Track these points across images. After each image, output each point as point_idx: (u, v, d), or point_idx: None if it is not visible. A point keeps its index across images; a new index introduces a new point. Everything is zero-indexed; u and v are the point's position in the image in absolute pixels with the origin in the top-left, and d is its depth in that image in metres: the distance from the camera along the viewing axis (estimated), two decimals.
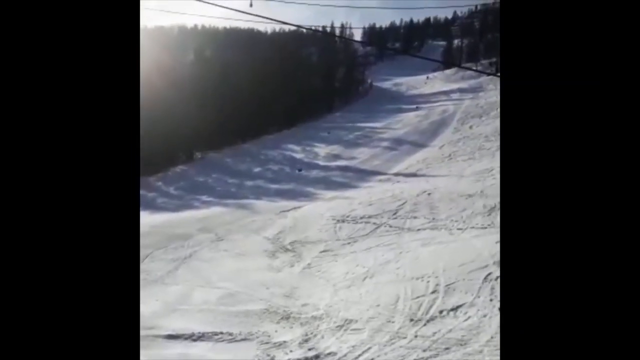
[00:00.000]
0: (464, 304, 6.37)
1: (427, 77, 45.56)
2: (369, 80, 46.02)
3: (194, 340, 6.40)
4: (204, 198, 17.78)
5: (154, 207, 17.29)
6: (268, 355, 5.80)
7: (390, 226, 10.46)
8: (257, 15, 5.85)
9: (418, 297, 6.84)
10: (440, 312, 6.32)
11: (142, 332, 6.61)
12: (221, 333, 6.50)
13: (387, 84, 45.91)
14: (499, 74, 2.42)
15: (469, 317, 6.01)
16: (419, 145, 22.29)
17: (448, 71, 45.09)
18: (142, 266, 9.79)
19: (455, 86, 37.67)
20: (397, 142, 23.59)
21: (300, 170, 20.91)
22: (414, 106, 33.34)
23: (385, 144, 23.86)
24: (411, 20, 75.06)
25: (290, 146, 26.09)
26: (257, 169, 22.18)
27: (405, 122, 28.39)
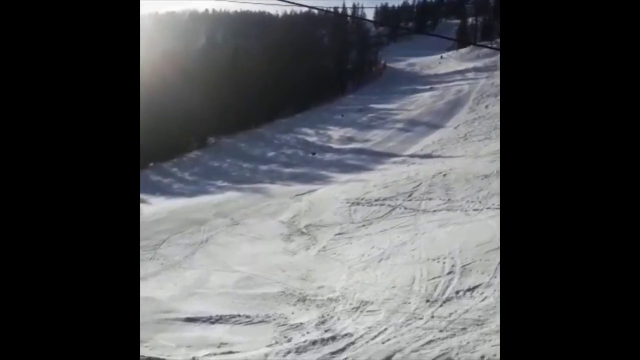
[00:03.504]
0: (480, 284, 6.36)
1: (441, 57, 44.82)
2: (382, 61, 45.45)
3: (212, 322, 6.52)
4: (219, 183, 17.92)
5: (170, 193, 17.49)
6: (285, 336, 5.89)
7: (406, 208, 10.44)
8: None
9: (434, 278, 6.85)
10: (457, 292, 6.32)
11: (161, 316, 6.75)
12: (238, 315, 6.61)
13: (400, 65, 45.33)
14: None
15: (486, 298, 6.01)
16: (433, 126, 22.08)
17: (462, 50, 44.31)
18: (160, 251, 9.94)
19: (470, 65, 37.07)
20: (412, 123, 23.38)
21: (314, 153, 20.89)
22: (429, 86, 32.92)
23: (399, 125, 23.68)
24: None
25: (304, 129, 26.03)
26: (271, 153, 22.22)
27: (419, 102, 28.09)
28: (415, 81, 36.81)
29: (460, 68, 37.41)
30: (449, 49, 46.69)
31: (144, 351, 5.58)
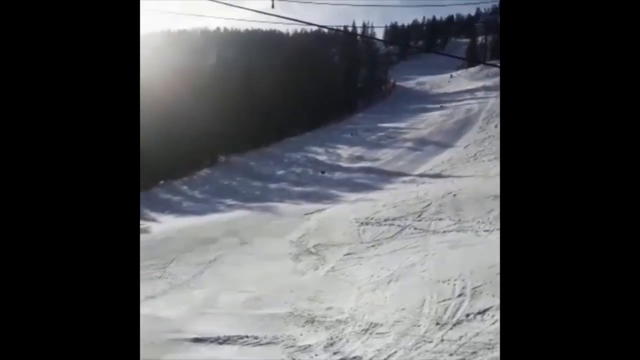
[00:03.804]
0: (491, 307, 6.30)
1: (451, 76, 45.04)
2: (392, 80, 45.74)
3: (220, 343, 6.49)
4: (229, 201, 18.00)
5: (180, 211, 17.58)
6: (293, 358, 5.85)
7: (415, 228, 10.40)
8: (278, 16, 5.87)
9: (444, 300, 6.79)
10: (467, 315, 6.26)
11: (169, 336, 6.74)
12: (247, 336, 6.58)
13: (410, 83, 45.57)
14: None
15: (497, 321, 5.94)
16: (443, 145, 22.09)
17: (472, 69, 44.52)
18: (168, 270, 9.97)
19: (479, 84, 37.18)
20: (421, 143, 23.41)
21: (323, 172, 20.95)
22: (438, 105, 33.03)
23: (409, 144, 23.72)
24: (434, 18, 74.46)
25: (313, 148, 26.16)
26: (280, 172, 22.32)
27: (429, 121, 28.16)
28: (425, 100, 36.95)
29: (470, 87, 37.54)
30: (458, 68, 46.92)
31: None
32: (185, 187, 21.76)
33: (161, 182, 22.23)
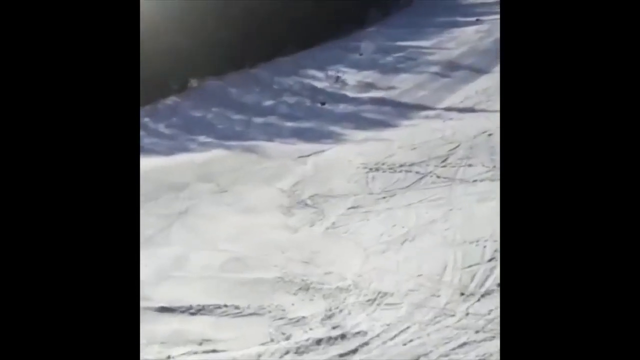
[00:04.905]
0: None
1: None
2: None
3: (192, 314, 6.66)
4: (202, 138, 17.93)
5: (141, 150, 17.57)
6: (283, 333, 6.02)
7: (438, 176, 10.44)
8: None
9: (471, 265, 6.93)
10: (499, 284, 6.40)
11: None
12: (225, 306, 6.74)
13: None
14: None
15: None
16: (478, 70, 21.77)
17: None
18: None
19: None
20: (450, 67, 23.04)
21: (323, 103, 20.75)
22: (474, 18, 32.29)
23: (434, 68, 23.35)
24: None
25: (311, 72, 25.76)
26: (268, 102, 22.09)
27: (461, 39, 27.60)
28: (456, 11, 36.09)
29: None
30: None
31: None
32: (147, 119, 21.59)
33: None
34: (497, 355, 5.09)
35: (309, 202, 10.30)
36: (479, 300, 6.15)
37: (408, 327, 5.78)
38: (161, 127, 20.61)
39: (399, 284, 6.74)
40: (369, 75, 24.13)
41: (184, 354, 5.76)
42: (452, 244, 7.58)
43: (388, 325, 5.86)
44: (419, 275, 6.88)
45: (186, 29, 24.99)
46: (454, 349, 5.32)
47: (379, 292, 6.59)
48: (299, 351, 5.64)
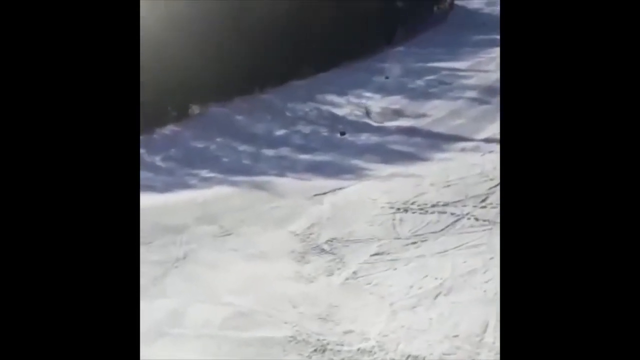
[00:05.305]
0: None
1: None
2: None
3: None
4: (204, 173, 18.07)
5: None
6: None
7: (477, 219, 10.41)
8: None
9: None
10: None
11: None
12: None
13: (475, 2, 44.85)
14: None
15: None
16: None
17: None
18: None
19: None
20: (490, 92, 23.15)
21: (343, 133, 20.87)
22: None
23: (471, 94, 23.51)
24: None
25: (330, 97, 26.03)
26: (280, 131, 22.29)
27: None
28: (496, 28, 36.39)
29: None
30: None
31: None
32: (142, 151, 21.87)
33: None
34: None
35: (326, 247, 10.27)
36: None
37: None
38: (157, 160, 20.81)
39: (432, 346, 6.66)
40: (396, 101, 24.30)
41: None
42: (494, 298, 7.50)
43: None
44: (455, 336, 6.80)
45: (187, 46, 25.44)
46: None
47: (408, 356, 6.52)
48: None
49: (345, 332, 7.31)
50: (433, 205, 11.22)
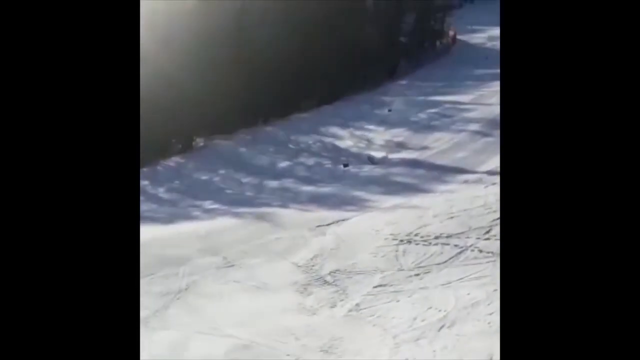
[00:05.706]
0: None
1: None
2: (451, 32, 45.55)
3: None
4: (208, 204, 18.12)
5: None
6: None
7: (480, 250, 10.37)
8: None
9: None
10: None
11: None
12: None
13: (477, 37, 45.26)
14: None
15: None
16: None
17: None
18: None
19: None
20: (492, 125, 23.23)
21: (346, 165, 20.94)
22: None
23: (474, 126, 23.62)
24: None
25: (333, 129, 26.17)
26: (283, 163, 22.37)
27: None
28: (498, 62, 36.63)
29: None
30: None
31: None
32: (145, 182, 21.91)
33: None
34: None
35: (328, 279, 10.23)
36: None
37: None
38: (161, 192, 20.86)
39: None
40: (399, 134, 24.40)
41: None
42: (499, 331, 7.43)
43: None
44: None
45: (191, 78, 25.64)
46: None
47: None
48: None
49: None
50: (436, 237, 11.19)
